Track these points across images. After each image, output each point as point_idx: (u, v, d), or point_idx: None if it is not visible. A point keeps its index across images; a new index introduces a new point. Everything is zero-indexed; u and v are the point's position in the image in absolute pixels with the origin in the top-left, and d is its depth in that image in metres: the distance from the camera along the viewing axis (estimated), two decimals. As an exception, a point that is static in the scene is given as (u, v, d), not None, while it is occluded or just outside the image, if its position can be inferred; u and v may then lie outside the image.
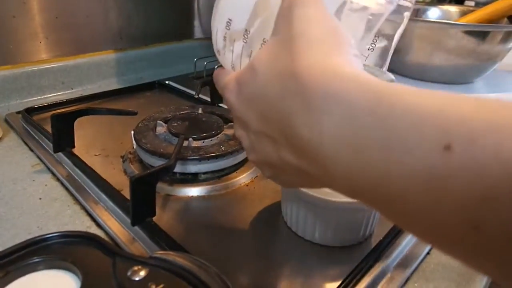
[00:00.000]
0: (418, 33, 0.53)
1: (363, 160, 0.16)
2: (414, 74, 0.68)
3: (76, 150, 0.49)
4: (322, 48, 0.20)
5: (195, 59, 0.78)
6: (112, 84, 0.76)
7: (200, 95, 0.69)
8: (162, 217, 0.39)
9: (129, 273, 0.26)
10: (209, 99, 0.65)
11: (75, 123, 0.47)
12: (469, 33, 0.58)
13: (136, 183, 0.33)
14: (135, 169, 0.46)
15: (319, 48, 0.20)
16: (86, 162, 0.45)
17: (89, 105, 0.47)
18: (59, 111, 0.46)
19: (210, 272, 0.26)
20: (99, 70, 0.76)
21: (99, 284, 0.25)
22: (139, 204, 0.34)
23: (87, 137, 0.55)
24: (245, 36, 0.27)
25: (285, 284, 0.31)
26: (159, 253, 0.28)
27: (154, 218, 0.36)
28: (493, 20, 0.65)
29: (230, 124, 0.50)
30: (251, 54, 0.27)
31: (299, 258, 0.34)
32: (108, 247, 0.28)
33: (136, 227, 0.36)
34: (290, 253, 0.35)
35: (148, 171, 0.34)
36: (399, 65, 0.68)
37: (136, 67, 0.82)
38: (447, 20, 0.75)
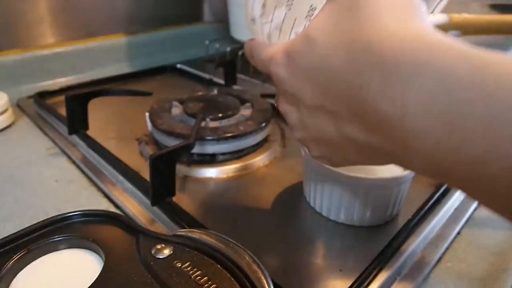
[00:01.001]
0: (440, 8, 0.51)
1: (459, 139, 0.15)
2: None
3: (90, 133, 0.48)
4: (396, 12, 0.18)
5: (207, 42, 0.76)
6: (123, 68, 0.75)
7: (214, 78, 0.68)
8: (181, 199, 0.38)
9: (153, 251, 0.25)
10: (222, 82, 0.63)
11: (89, 106, 0.46)
12: (494, 7, 0.55)
13: (155, 161, 0.32)
14: (151, 151, 0.45)
15: (393, 13, 0.18)
16: (102, 145, 0.45)
17: (103, 87, 0.46)
18: (72, 92, 0.45)
19: (237, 249, 0.25)
20: (110, 54, 0.75)
21: (122, 263, 0.25)
22: (159, 183, 0.33)
23: (101, 120, 0.54)
24: (289, 2, 0.25)
25: (310, 264, 0.30)
26: (184, 231, 0.27)
27: (174, 199, 0.36)
28: None
29: (247, 104, 0.49)
30: (294, 23, 0.26)
31: (325, 239, 0.33)
32: (130, 225, 0.27)
33: (155, 208, 0.35)
34: (314, 234, 0.34)
35: (168, 148, 0.33)
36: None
37: (146, 51, 0.80)
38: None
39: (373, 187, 0.32)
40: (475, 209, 0.37)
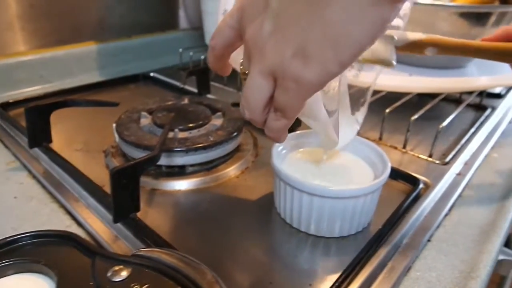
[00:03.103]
0: (410, 17, 0.51)
1: None
2: (405, 59, 0.67)
3: (54, 145, 0.46)
4: None
5: (180, 50, 0.75)
6: (94, 77, 0.73)
7: (187, 87, 0.67)
8: (147, 213, 0.36)
9: (109, 274, 0.24)
10: (195, 90, 0.62)
11: (55, 117, 0.44)
12: (462, 15, 0.56)
13: (116, 175, 0.30)
14: (117, 163, 0.43)
15: None
16: (66, 157, 0.43)
17: (67, 97, 0.44)
18: (34, 103, 0.43)
19: (199, 269, 0.24)
20: (80, 62, 0.73)
21: (76, 287, 0.23)
22: (121, 199, 0.32)
23: (68, 131, 0.52)
24: None
25: (280, 278, 0.29)
26: (143, 251, 0.26)
27: (139, 214, 0.34)
28: (485, 2, 0.64)
29: (218, 114, 0.48)
30: None
31: (295, 251, 0.32)
32: (86, 246, 0.26)
33: (119, 224, 0.33)
34: (285, 246, 0.33)
35: (131, 162, 0.31)
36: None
37: (119, 59, 0.78)
38: (440, 2, 0.73)
39: (340, 197, 0.31)
40: (445, 215, 0.37)
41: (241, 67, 0.25)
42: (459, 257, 0.32)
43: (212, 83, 0.69)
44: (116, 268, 0.24)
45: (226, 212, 0.37)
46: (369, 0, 0.19)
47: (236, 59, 0.29)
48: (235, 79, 0.67)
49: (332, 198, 0.31)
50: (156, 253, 0.25)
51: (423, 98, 0.58)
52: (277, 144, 0.37)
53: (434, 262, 0.32)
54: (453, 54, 0.33)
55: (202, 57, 0.72)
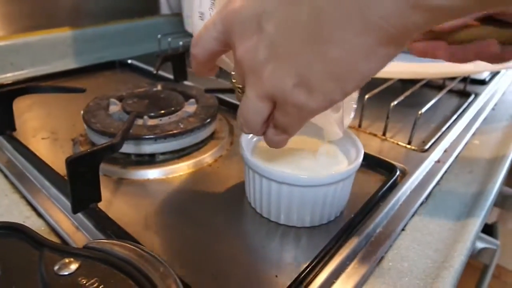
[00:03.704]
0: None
1: None
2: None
3: (21, 134, 0.44)
4: None
5: (159, 36, 0.73)
6: (69, 64, 0.70)
7: (164, 73, 0.64)
8: (112, 204, 0.35)
9: (57, 267, 0.22)
10: (172, 77, 0.60)
11: (23, 105, 0.42)
12: None
13: (73, 164, 0.29)
14: (85, 152, 0.41)
15: None
16: (31, 147, 0.41)
17: (30, 84, 0.42)
18: (-6, 89, 0.40)
19: (152, 262, 0.22)
20: (54, 49, 0.70)
21: (19, 281, 0.22)
22: (80, 188, 0.30)
23: (36, 120, 0.49)
24: None
25: (246, 269, 0.28)
26: (94, 242, 0.24)
27: (101, 205, 0.32)
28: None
29: (191, 100, 0.46)
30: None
31: (263, 241, 0.31)
32: (34, 238, 0.24)
33: (80, 215, 0.32)
34: (253, 237, 0.32)
35: (88, 150, 0.30)
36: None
37: (95, 46, 0.76)
38: None
39: (309, 185, 0.30)
40: (421, 204, 0.36)
41: (234, 81, 0.25)
42: (433, 246, 0.31)
43: (189, 69, 0.67)
44: (66, 260, 0.23)
45: (196, 202, 0.35)
46: (377, 41, 0.18)
47: (224, 60, 0.28)
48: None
49: (302, 187, 0.30)
50: (108, 245, 0.23)
51: (405, 84, 0.57)
52: (247, 131, 0.35)
53: (407, 252, 0.31)
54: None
55: (181, 43, 0.70)
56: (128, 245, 0.23)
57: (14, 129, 0.43)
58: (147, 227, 0.32)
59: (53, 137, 0.46)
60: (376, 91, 0.49)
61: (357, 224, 0.32)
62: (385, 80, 0.52)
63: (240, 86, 0.24)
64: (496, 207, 0.62)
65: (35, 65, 0.68)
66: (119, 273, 0.22)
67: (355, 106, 0.33)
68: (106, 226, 0.30)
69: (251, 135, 0.36)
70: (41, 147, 0.43)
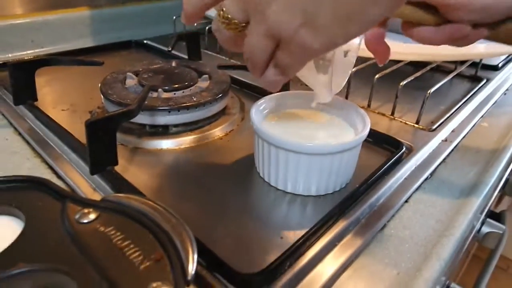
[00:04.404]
0: None
1: None
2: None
3: (42, 105, 0.46)
4: None
5: (174, 17, 0.74)
6: (87, 43, 0.72)
7: (179, 53, 0.66)
8: (128, 169, 0.36)
9: (77, 216, 0.24)
10: (186, 57, 0.61)
11: (44, 79, 0.44)
12: None
13: (92, 127, 0.30)
14: (102, 123, 0.43)
15: None
16: (52, 116, 0.43)
17: (51, 55, 0.44)
18: (17, 59, 0.42)
19: (164, 214, 0.24)
20: (73, 28, 0.72)
21: (43, 227, 0.23)
22: (98, 151, 0.32)
23: (57, 92, 0.52)
24: None
25: (252, 231, 0.30)
26: (112, 196, 0.26)
27: (118, 169, 0.34)
28: None
29: (204, 76, 0.47)
30: None
31: (270, 208, 0.32)
32: (57, 191, 0.26)
33: (97, 178, 0.34)
34: (261, 203, 0.33)
35: (106, 114, 0.31)
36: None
37: (113, 26, 0.77)
38: None
39: (315, 153, 0.31)
40: (426, 179, 0.37)
41: (222, 12, 0.24)
42: (435, 217, 0.32)
43: (205, 50, 0.68)
44: (85, 210, 0.24)
45: (206, 171, 0.37)
46: None
47: None
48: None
49: (308, 155, 0.31)
50: (125, 198, 0.25)
51: (416, 68, 0.57)
52: (258, 102, 0.37)
53: (409, 222, 0.32)
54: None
55: (196, 24, 0.71)
56: (143, 199, 0.25)
57: (35, 99, 0.45)
58: (160, 191, 0.34)
59: (72, 109, 0.48)
60: (386, 71, 0.49)
61: (361, 194, 0.33)
62: (396, 62, 0.52)
63: (236, 21, 0.24)
64: (507, 196, 0.62)
65: (54, 43, 0.70)
66: (134, 222, 0.24)
67: (349, 72, 0.34)
68: (122, 187, 0.32)
69: (263, 106, 0.37)
70: (61, 117, 0.45)
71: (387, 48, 0.31)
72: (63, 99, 0.50)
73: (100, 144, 0.32)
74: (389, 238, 0.30)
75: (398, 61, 0.53)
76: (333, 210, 0.30)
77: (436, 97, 0.52)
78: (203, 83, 0.46)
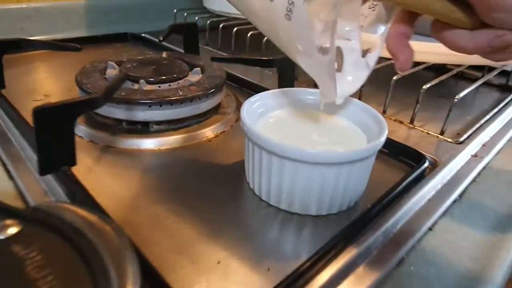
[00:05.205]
0: None
1: None
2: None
3: (12, 94, 0.41)
4: None
5: (175, 11, 0.69)
6: (80, 35, 0.67)
7: (174, 46, 0.60)
8: (93, 171, 0.30)
9: (-6, 230, 0.18)
10: (182, 50, 0.56)
11: (21, 67, 0.39)
12: None
13: (40, 115, 0.24)
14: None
15: None
16: (19, 107, 0.37)
17: (22, 38, 0.39)
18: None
19: (109, 235, 0.18)
20: (66, 18, 0.67)
21: None
22: (49, 147, 0.26)
23: (32, 82, 0.46)
24: None
25: (234, 259, 0.23)
26: (46, 204, 0.20)
27: (78, 170, 0.28)
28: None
29: (196, 69, 0.41)
30: None
31: (259, 229, 0.26)
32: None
33: (51, 179, 0.28)
34: (248, 222, 0.27)
35: (62, 101, 0.25)
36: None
37: (110, 18, 0.72)
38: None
39: (317, 163, 0.24)
40: (454, 201, 0.30)
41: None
42: (467, 252, 0.25)
43: (205, 46, 0.63)
44: (7, 222, 0.18)
45: (189, 178, 0.31)
46: None
47: None
48: (229, 44, 0.60)
49: (308, 164, 0.24)
50: (58, 209, 0.19)
51: (438, 73, 0.50)
52: (252, 99, 0.31)
53: (435, 256, 0.25)
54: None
55: (197, 18, 0.65)
56: (84, 212, 0.19)
57: (3, 86, 0.39)
58: (125, 201, 0.28)
59: (45, 100, 0.42)
60: (405, 73, 0.43)
61: (373, 217, 0.26)
62: (416, 64, 0.46)
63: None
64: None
65: (45, 33, 0.65)
66: (64, 242, 0.17)
67: (365, 75, 0.28)
68: (76, 193, 0.26)
69: (257, 103, 0.31)
70: (29, 109, 0.39)
71: (410, 53, 0.25)
72: (38, 89, 0.44)
73: (52, 138, 0.26)
74: (409, 276, 0.23)
75: (418, 63, 0.46)
76: (337, 236, 0.24)
77: (461, 106, 0.46)
78: (193, 77, 0.40)
